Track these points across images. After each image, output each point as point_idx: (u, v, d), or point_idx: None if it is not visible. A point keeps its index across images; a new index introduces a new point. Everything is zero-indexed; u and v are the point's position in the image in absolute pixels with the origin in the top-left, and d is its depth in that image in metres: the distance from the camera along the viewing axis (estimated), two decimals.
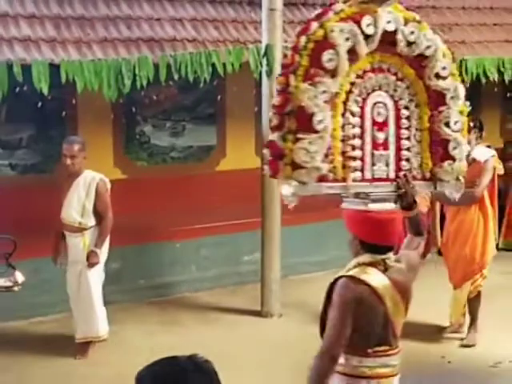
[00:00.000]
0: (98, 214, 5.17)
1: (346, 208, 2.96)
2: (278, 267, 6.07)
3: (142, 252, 6.43)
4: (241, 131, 7.25)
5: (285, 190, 2.81)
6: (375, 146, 2.93)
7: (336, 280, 2.82)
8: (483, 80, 7.17)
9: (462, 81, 7.11)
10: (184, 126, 7.09)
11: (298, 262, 6.81)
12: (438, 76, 2.93)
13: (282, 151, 2.76)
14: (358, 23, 2.79)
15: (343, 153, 2.87)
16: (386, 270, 2.82)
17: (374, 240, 2.82)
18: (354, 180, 2.90)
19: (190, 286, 6.63)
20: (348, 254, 2.93)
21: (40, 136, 6.37)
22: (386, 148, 2.95)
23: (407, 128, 3.00)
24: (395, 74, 2.95)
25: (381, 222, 2.81)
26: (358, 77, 2.88)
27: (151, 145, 6.99)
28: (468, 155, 5.11)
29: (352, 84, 2.87)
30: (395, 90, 2.96)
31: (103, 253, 5.24)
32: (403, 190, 2.91)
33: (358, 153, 2.91)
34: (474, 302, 5.41)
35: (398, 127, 2.98)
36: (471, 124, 5.22)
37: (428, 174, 3.03)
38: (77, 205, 5.13)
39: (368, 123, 2.92)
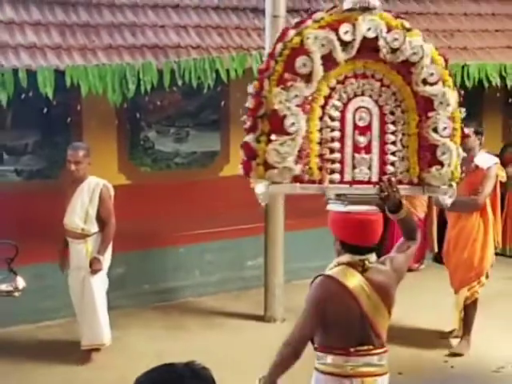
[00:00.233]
0: (101, 221, 5.16)
1: (329, 209, 3.06)
2: (282, 272, 6.10)
3: (147, 257, 6.46)
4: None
5: (258, 188, 2.92)
6: (357, 149, 3.00)
7: (316, 278, 2.96)
8: (485, 85, 7.21)
9: (464, 86, 7.19)
10: (188, 132, 7.13)
11: (301, 267, 6.82)
12: (425, 82, 2.97)
13: (255, 152, 2.87)
14: (336, 30, 2.87)
15: (321, 155, 2.97)
16: (364, 270, 2.92)
17: (352, 241, 2.93)
18: (332, 182, 2.99)
19: (194, 290, 6.66)
20: None
21: (45, 142, 6.42)
22: (368, 152, 3.02)
23: (393, 133, 3.04)
24: (380, 80, 3.00)
25: (359, 223, 2.92)
26: (339, 82, 2.96)
27: (155, 150, 7.02)
28: (471, 161, 5.18)
29: (332, 89, 2.96)
30: (380, 96, 3.01)
31: (106, 259, 5.23)
32: (385, 193, 2.97)
33: (336, 155, 2.99)
34: (469, 310, 5.37)
35: (383, 132, 3.03)
36: (473, 130, 5.25)
37: (416, 179, 3.07)
38: (80, 211, 5.13)
39: (349, 127, 2.99)
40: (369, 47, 2.92)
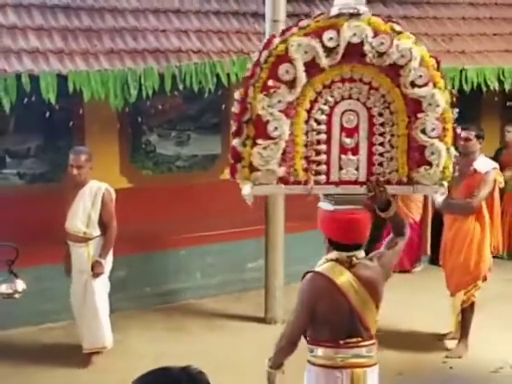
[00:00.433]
0: (103, 224, 5.19)
1: (318, 208, 3.18)
2: (282, 274, 6.14)
3: (148, 259, 6.50)
4: None
5: (245, 189, 3.04)
6: (343, 151, 3.09)
7: (306, 274, 3.12)
8: (484, 89, 7.25)
9: (463, 90, 7.23)
10: (189, 136, 7.17)
11: (302, 270, 6.82)
12: (413, 84, 3.02)
13: (240, 155, 3.01)
14: (320, 37, 2.94)
15: (306, 157, 3.07)
16: (352, 266, 3.05)
17: (339, 239, 3.07)
18: (318, 183, 3.09)
19: (195, 292, 6.70)
20: None
21: (48, 145, 6.46)
22: (355, 153, 3.10)
23: (381, 134, 3.11)
24: (369, 83, 3.07)
25: (345, 222, 3.05)
26: (325, 87, 3.04)
27: (157, 154, 7.07)
28: (470, 165, 5.22)
29: (318, 93, 3.04)
30: (368, 98, 3.08)
31: (108, 262, 5.25)
32: (373, 193, 3.07)
33: (322, 157, 3.08)
34: (466, 313, 5.39)
35: (372, 133, 3.11)
36: (475, 134, 5.28)
37: (405, 179, 3.14)
38: (82, 215, 5.14)
39: (336, 130, 3.08)
40: (355, 52, 2.99)
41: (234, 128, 3.05)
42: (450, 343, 5.53)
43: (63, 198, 5.27)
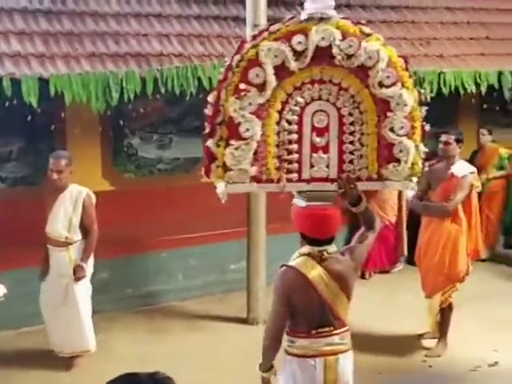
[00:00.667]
0: (84, 228, 5.20)
1: (293, 205, 3.30)
2: (264, 275, 6.20)
3: (130, 262, 6.52)
4: None
5: (219, 188, 3.17)
6: (314, 149, 3.21)
7: (280, 268, 3.25)
8: (461, 92, 7.37)
9: (441, 93, 7.34)
10: (171, 139, 7.20)
11: None
12: (381, 85, 3.14)
13: (214, 155, 3.11)
14: (289, 41, 3.05)
15: (278, 156, 3.19)
16: (323, 260, 3.17)
17: (310, 233, 3.20)
18: (290, 180, 3.20)
19: (177, 294, 6.73)
20: None
21: (29, 149, 6.43)
22: (325, 151, 3.22)
23: (351, 133, 3.23)
24: (338, 84, 3.18)
25: (316, 217, 3.17)
26: (296, 88, 3.15)
27: (139, 157, 7.08)
28: (448, 169, 5.29)
29: (289, 95, 3.15)
30: (338, 99, 3.19)
31: (89, 266, 5.26)
32: (343, 190, 3.20)
33: (293, 156, 3.20)
34: (445, 313, 5.45)
35: (342, 132, 3.23)
36: (454, 138, 5.32)
37: (375, 175, 3.27)
38: (63, 219, 5.14)
39: (307, 129, 3.19)
40: (325, 54, 3.09)
41: (207, 129, 3.14)
42: (429, 342, 5.62)
43: (44, 202, 5.26)
